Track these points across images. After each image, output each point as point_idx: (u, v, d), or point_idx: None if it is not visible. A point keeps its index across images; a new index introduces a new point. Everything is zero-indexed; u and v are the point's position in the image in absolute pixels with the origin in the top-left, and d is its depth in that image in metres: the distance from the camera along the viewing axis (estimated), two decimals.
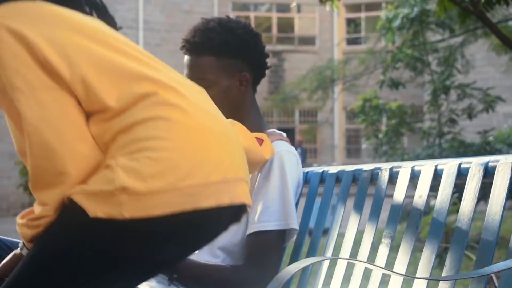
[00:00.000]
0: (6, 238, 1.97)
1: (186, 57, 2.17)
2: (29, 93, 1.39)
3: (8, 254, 1.91)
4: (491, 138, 9.53)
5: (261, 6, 21.08)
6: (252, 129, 2.18)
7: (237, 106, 2.17)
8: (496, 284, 3.22)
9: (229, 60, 2.13)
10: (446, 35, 9.68)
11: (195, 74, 2.13)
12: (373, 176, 2.02)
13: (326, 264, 2.03)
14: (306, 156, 20.19)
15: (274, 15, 20.67)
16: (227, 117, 2.14)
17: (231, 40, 2.12)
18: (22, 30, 1.41)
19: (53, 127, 1.39)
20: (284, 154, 2.04)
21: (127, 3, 16.46)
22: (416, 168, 1.90)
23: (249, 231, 1.96)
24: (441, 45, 9.90)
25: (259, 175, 2.03)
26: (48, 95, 1.40)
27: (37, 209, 1.44)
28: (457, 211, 1.73)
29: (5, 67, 1.41)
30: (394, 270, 1.72)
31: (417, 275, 1.71)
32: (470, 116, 9.19)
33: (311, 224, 2.14)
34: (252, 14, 20.47)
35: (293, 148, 2.11)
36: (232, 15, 19.11)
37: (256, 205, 1.98)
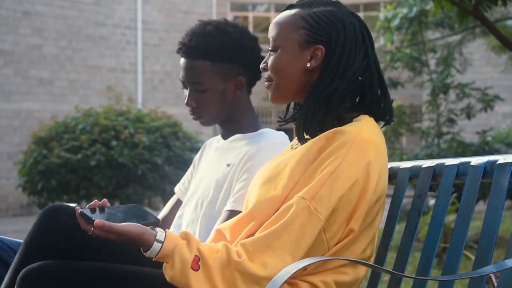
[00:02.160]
0: (6, 238, 1.97)
1: (182, 60, 2.18)
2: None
3: (8, 254, 1.91)
4: (489, 138, 9.53)
5: (260, 6, 21.06)
6: (247, 130, 2.20)
7: (233, 109, 2.19)
8: (495, 284, 3.22)
9: (225, 65, 2.14)
10: (445, 33, 9.67)
11: (191, 78, 2.15)
12: None
13: None
14: None
15: (273, 15, 20.64)
16: (223, 120, 2.18)
17: (227, 45, 2.13)
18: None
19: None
20: (277, 146, 2.06)
21: (125, 3, 16.43)
22: (415, 168, 1.90)
23: (225, 208, 2.03)
24: (439, 43, 9.90)
25: (250, 162, 2.05)
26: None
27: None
28: (456, 211, 1.73)
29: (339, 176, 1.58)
30: (393, 270, 1.72)
31: (415, 275, 1.71)
32: (468, 116, 9.18)
33: None
34: (250, 14, 20.45)
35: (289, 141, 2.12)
36: (231, 15, 19.11)
37: (237, 188, 2.04)
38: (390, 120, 1.79)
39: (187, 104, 2.18)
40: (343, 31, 1.69)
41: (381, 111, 1.75)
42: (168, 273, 1.54)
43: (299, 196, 1.57)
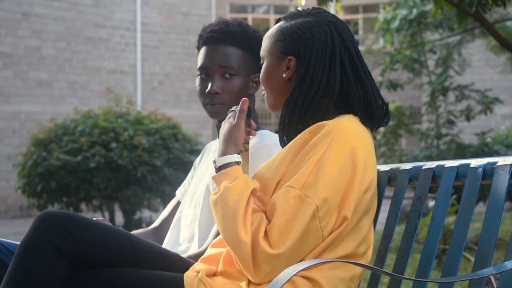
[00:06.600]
0: (4, 240, 1.97)
1: (208, 47, 2.21)
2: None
3: (7, 256, 1.91)
4: (489, 140, 9.53)
5: (259, 8, 21.08)
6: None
7: None
8: (495, 286, 3.22)
9: (252, 58, 2.21)
10: (445, 35, 9.67)
11: (222, 62, 2.18)
12: None
13: None
14: None
15: (272, 17, 20.67)
16: (229, 108, 2.19)
17: (257, 40, 2.20)
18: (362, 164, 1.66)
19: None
20: (273, 147, 2.06)
21: (125, 5, 16.43)
22: (414, 170, 1.90)
23: None
24: (438, 43, 9.90)
25: None
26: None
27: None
28: (456, 212, 1.73)
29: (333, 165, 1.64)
30: (392, 271, 1.72)
31: (415, 277, 1.71)
32: (468, 118, 9.19)
33: None
34: (249, 16, 20.46)
35: None
36: (230, 17, 19.09)
37: None
38: (378, 124, 1.84)
39: (211, 90, 2.17)
40: (311, 41, 1.79)
41: (368, 115, 1.80)
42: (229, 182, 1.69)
43: (288, 186, 1.65)
